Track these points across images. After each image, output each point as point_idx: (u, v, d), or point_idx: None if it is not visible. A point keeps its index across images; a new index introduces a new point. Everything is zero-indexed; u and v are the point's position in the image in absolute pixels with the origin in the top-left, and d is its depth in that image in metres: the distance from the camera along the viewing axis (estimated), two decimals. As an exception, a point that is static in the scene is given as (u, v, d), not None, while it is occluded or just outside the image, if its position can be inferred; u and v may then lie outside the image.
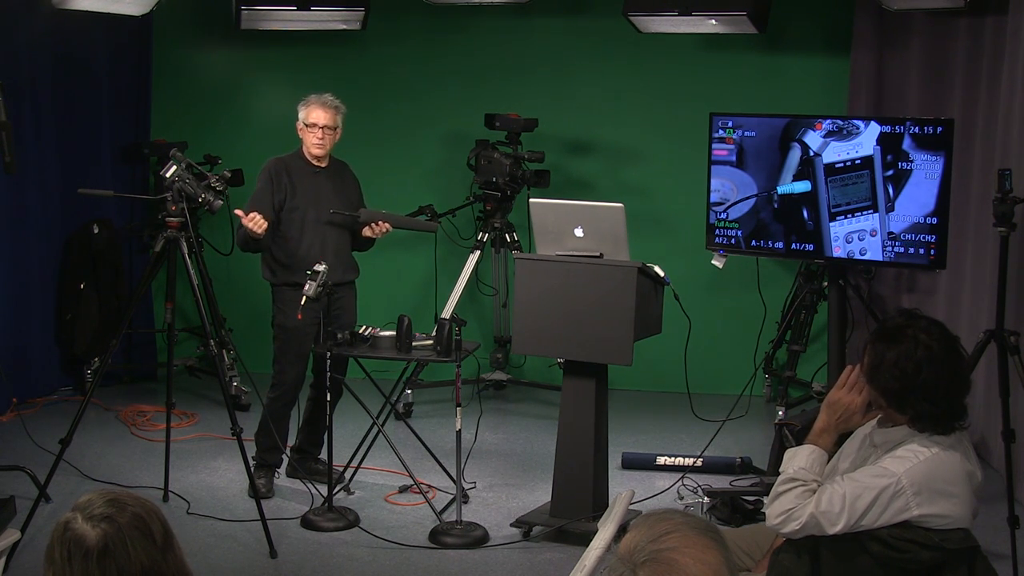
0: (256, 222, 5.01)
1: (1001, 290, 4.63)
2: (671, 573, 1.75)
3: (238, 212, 5.08)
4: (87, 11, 6.04)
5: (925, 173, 5.07)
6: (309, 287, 4.83)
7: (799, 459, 3.04)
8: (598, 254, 4.75)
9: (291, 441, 5.49)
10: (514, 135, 6.77)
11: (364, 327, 4.99)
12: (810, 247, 5.38)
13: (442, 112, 7.39)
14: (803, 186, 5.34)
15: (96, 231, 6.89)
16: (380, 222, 5.30)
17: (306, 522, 4.93)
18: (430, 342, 4.90)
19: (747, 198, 5.47)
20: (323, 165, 5.32)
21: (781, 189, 5.39)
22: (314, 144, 5.24)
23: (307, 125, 5.23)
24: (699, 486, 5.27)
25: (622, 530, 2.81)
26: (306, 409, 5.47)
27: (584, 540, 3.57)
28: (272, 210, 5.19)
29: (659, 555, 1.77)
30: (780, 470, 3.07)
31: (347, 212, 5.27)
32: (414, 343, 4.91)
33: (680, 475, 5.45)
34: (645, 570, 1.76)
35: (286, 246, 5.23)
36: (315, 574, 4.53)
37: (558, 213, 4.86)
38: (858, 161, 5.20)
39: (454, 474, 4.95)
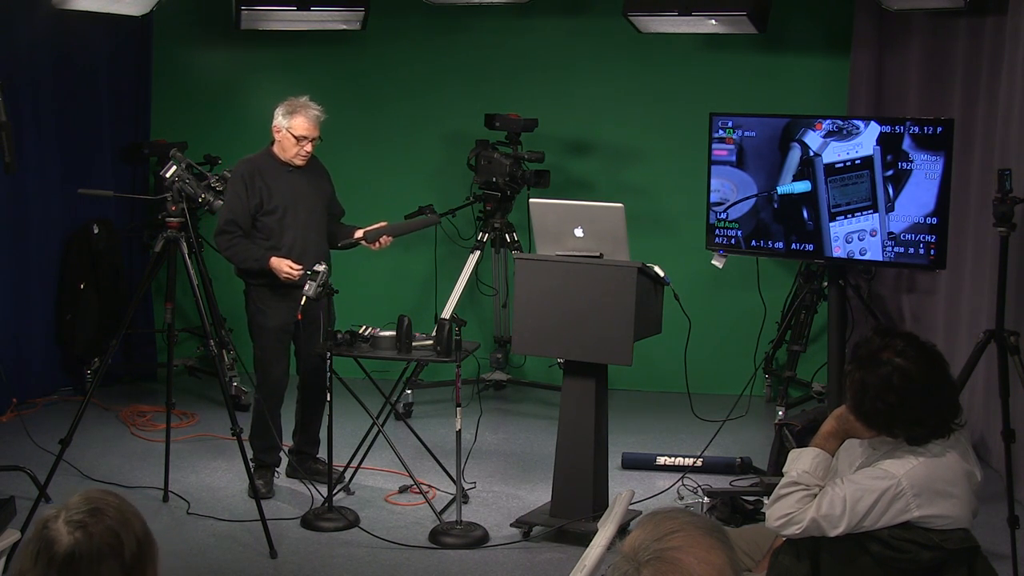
0: (295, 274, 5.05)
1: (1001, 290, 4.63)
2: (675, 572, 1.75)
3: (277, 263, 5.06)
4: (87, 11, 6.03)
5: (925, 173, 5.06)
6: (309, 287, 4.83)
7: (803, 462, 3.04)
8: (598, 254, 4.75)
9: (287, 441, 5.49)
10: (514, 135, 6.77)
11: (364, 327, 4.99)
12: (810, 247, 5.37)
13: (442, 112, 7.38)
14: (803, 186, 5.34)
15: (96, 231, 6.89)
16: (384, 237, 5.27)
17: (306, 522, 4.93)
18: (430, 342, 4.89)
19: (747, 198, 5.46)
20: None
21: (781, 189, 5.38)
22: (300, 156, 5.18)
23: (296, 136, 5.15)
24: (699, 486, 5.27)
25: (622, 530, 2.81)
26: (296, 412, 5.47)
27: (584, 540, 3.58)
28: (248, 215, 5.16)
29: (663, 554, 1.77)
30: (783, 470, 3.07)
31: (352, 240, 5.25)
32: (414, 343, 4.91)
33: (680, 475, 5.45)
34: (649, 569, 1.76)
35: (266, 246, 5.17)
36: (315, 574, 4.53)
37: (558, 213, 4.86)
38: (858, 161, 5.20)
39: (454, 474, 4.95)
